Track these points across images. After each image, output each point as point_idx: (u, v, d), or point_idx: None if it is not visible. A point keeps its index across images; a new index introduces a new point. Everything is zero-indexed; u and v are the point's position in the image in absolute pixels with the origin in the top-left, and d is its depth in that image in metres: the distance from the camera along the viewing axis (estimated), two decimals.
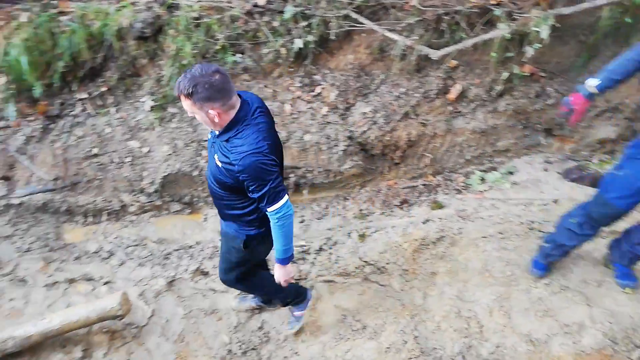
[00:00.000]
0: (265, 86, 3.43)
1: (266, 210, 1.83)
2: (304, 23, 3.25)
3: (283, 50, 3.27)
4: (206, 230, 3.41)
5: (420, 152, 3.52)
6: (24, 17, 3.33)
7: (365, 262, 2.89)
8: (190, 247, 3.20)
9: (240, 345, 2.55)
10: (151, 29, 3.20)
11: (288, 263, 2.04)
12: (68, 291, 2.91)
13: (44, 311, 2.72)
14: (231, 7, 3.21)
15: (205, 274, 2.99)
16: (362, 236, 3.08)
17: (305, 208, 3.50)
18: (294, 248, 2.92)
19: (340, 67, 3.48)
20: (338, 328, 2.57)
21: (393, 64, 3.44)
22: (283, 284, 2.13)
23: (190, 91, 1.61)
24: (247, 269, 2.30)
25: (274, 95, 3.42)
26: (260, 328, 2.65)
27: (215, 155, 1.85)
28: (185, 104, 1.69)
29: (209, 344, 2.58)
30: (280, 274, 2.07)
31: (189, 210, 3.57)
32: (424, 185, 3.52)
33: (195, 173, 3.38)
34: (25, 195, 3.46)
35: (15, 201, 3.46)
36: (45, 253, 3.20)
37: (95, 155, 3.43)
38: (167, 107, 3.43)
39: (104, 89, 3.46)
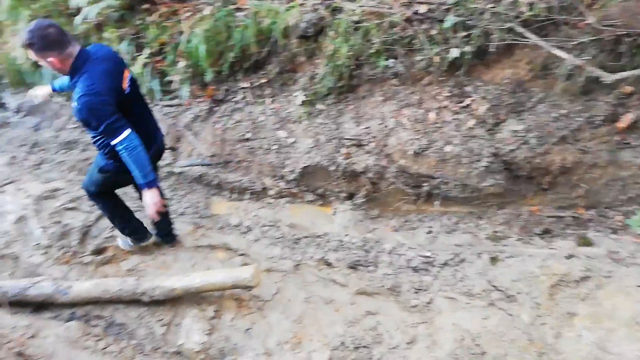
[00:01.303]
0: (413, 93, 3.62)
1: (111, 144, 2.31)
2: (464, 33, 3.35)
3: (437, 59, 3.42)
4: (334, 223, 3.74)
5: (574, 181, 3.37)
6: (207, 11, 4.02)
7: (494, 286, 2.91)
8: (318, 236, 3.55)
9: (353, 340, 2.75)
10: (314, 29, 3.61)
11: (150, 187, 2.45)
12: (209, 256, 3.44)
13: (188, 269, 3.26)
14: (392, 13, 3.46)
15: (329, 264, 3.29)
16: (494, 259, 3.10)
17: (434, 220, 3.62)
18: (419, 257, 3.08)
19: (495, 80, 3.51)
20: (454, 347, 2.64)
21: (556, 83, 3.35)
22: (152, 208, 2.51)
23: (28, 42, 2.10)
24: (102, 190, 2.92)
25: (420, 102, 3.59)
26: (374, 328, 2.83)
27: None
28: (29, 54, 2.19)
29: (324, 331, 2.84)
30: (146, 198, 2.48)
31: (321, 202, 3.94)
32: (572, 217, 3.37)
33: (332, 168, 3.72)
34: (186, 166, 4.19)
35: (177, 170, 4.21)
36: (195, 219, 3.83)
37: (248, 140, 3.99)
38: (316, 103, 3.84)
39: (263, 80, 4.00)
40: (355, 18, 3.49)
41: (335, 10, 3.63)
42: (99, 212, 3.66)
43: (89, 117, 2.25)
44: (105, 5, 4.07)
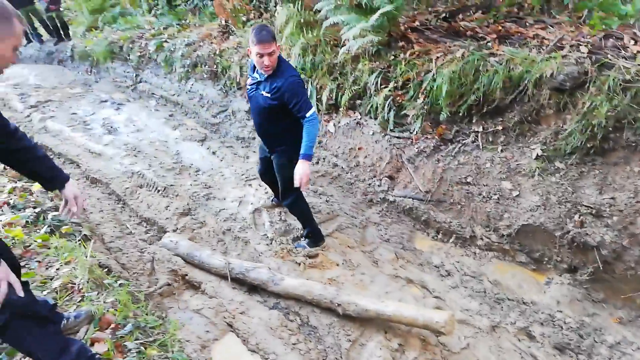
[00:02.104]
0: None
1: (306, 115, 3.23)
2: None
3: None
4: (545, 294, 3.47)
5: None
6: (459, 53, 4.27)
7: None
8: (524, 303, 3.35)
9: None
10: (572, 83, 3.47)
11: (310, 159, 3.26)
12: (404, 288, 3.59)
13: (382, 295, 3.47)
14: None
15: (532, 337, 3.08)
16: None
17: None
18: None
19: None
20: None
21: None
22: (306, 177, 3.22)
23: (273, 35, 3.04)
24: (298, 191, 3.67)
25: None
26: None
27: None
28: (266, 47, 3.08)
29: None
30: (304, 167, 3.22)
31: (534, 267, 3.71)
32: None
33: (558, 233, 3.47)
34: (399, 197, 4.48)
35: (391, 198, 4.54)
36: (397, 249, 4.07)
37: (468, 184, 4.05)
38: (555, 160, 3.66)
39: (499, 127, 4.02)
40: (628, 77, 3.23)
41: (603, 65, 3.43)
42: (318, 219, 4.22)
43: (297, 91, 3.20)
44: (367, 41, 4.72)
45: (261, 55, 3.10)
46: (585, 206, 3.37)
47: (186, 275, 3.73)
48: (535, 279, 3.64)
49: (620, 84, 3.26)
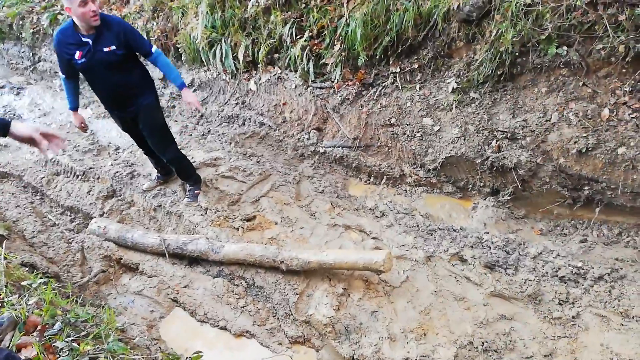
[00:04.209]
0: (584, 84, 3.35)
1: (152, 51, 3.32)
2: None
3: (621, 49, 3.11)
4: (473, 219, 3.69)
5: None
6: None
7: None
8: (454, 230, 3.55)
9: (482, 342, 2.71)
10: (478, 12, 3.56)
11: (186, 86, 3.44)
12: (343, 235, 3.68)
13: (322, 245, 3.54)
14: None
15: (464, 260, 3.27)
16: None
17: (592, 228, 3.35)
18: (569, 267, 2.91)
19: None
20: None
21: None
22: (197, 101, 3.43)
23: None
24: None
25: (592, 96, 3.31)
26: (507, 334, 2.75)
27: None
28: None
29: (451, 327, 2.85)
30: (190, 95, 3.43)
31: (460, 195, 3.92)
32: None
33: (478, 160, 3.66)
34: (329, 147, 4.50)
35: (321, 150, 4.54)
36: (333, 198, 4.12)
37: (392, 125, 4.13)
38: (469, 91, 3.80)
39: (415, 66, 4.09)
40: (528, 1, 3.34)
41: None
42: (251, 182, 4.16)
43: (133, 30, 3.21)
44: None
45: (85, 3, 2.89)
46: (501, 131, 3.55)
47: (121, 258, 3.60)
48: (462, 206, 3.85)
49: (522, 9, 3.38)
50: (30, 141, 1.83)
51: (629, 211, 3.24)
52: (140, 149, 4.03)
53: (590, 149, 3.20)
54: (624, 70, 3.23)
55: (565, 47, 3.35)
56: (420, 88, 4.08)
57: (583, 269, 2.94)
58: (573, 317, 2.72)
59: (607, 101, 3.25)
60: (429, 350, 2.67)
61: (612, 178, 3.17)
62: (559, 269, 2.99)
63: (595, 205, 3.34)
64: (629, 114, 3.17)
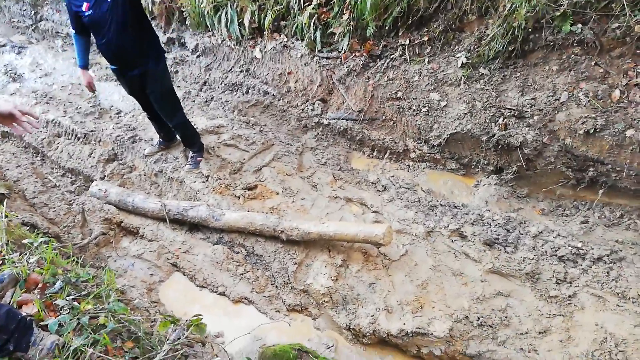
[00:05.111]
0: (597, 64, 3.30)
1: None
2: None
3: (637, 28, 3.04)
4: (475, 196, 3.70)
5: None
6: None
7: None
8: (456, 207, 3.55)
9: (478, 317, 2.76)
10: None
11: None
12: (344, 207, 3.69)
13: (323, 217, 3.56)
14: None
15: (463, 237, 3.29)
16: None
17: (593, 209, 3.36)
18: (568, 247, 2.93)
19: None
20: (593, 348, 2.49)
21: None
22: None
23: None
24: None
25: (604, 76, 3.27)
26: (503, 310, 2.79)
27: None
28: None
29: (447, 301, 2.89)
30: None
31: (463, 172, 3.92)
32: None
33: (484, 138, 3.64)
34: (333, 119, 4.47)
35: (325, 121, 4.52)
36: (335, 170, 4.12)
37: (398, 99, 4.09)
38: (479, 67, 3.74)
39: (425, 38, 4.02)
40: None
41: None
42: (253, 151, 4.15)
43: None
44: None
45: None
46: (509, 109, 3.51)
47: (121, 222, 3.63)
48: (465, 183, 3.85)
49: None
50: (10, 117, 1.80)
51: (632, 194, 3.23)
52: (145, 113, 3.99)
53: (598, 130, 3.17)
54: (638, 51, 3.17)
55: (580, 25, 3.28)
56: (429, 62, 4.02)
57: (582, 249, 2.96)
58: (569, 296, 2.75)
59: (619, 82, 3.20)
60: (424, 322, 2.71)
61: (618, 160, 3.16)
62: (559, 248, 3.00)
63: (598, 187, 3.33)
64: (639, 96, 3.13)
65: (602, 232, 3.18)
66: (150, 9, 5.91)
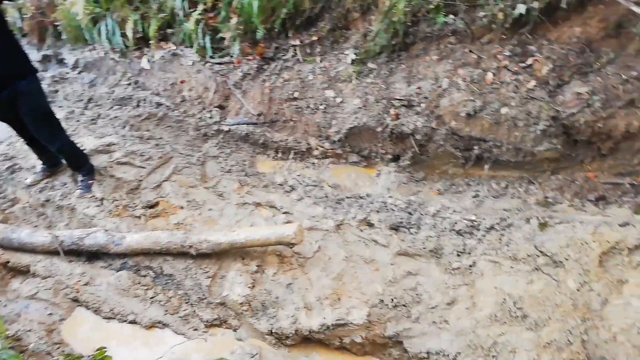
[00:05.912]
0: (470, 51, 3.63)
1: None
2: None
3: (500, 15, 3.41)
4: (377, 185, 3.90)
5: (638, 147, 3.30)
6: None
7: (540, 252, 2.96)
8: (361, 197, 3.71)
9: (392, 299, 2.90)
10: None
11: None
12: (254, 213, 3.68)
13: (233, 225, 3.52)
14: None
15: (371, 225, 3.44)
16: (543, 225, 3.13)
17: (482, 184, 3.71)
18: (464, 221, 3.17)
19: (562, 39, 3.46)
20: (495, 310, 2.74)
21: (630, 43, 3.25)
22: None
23: None
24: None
25: (478, 61, 3.60)
26: (414, 289, 2.96)
27: None
28: None
29: (362, 289, 3.00)
30: None
31: (365, 164, 4.10)
32: (631, 184, 3.33)
33: (379, 129, 3.84)
34: (233, 124, 4.44)
35: (225, 128, 4.47)
36: (241, 177, 4.09)
37: (295, 99, 4.17)
38: (367, 62, 3.94)
39: (314, 38, 4.15)
40: None
41: None
42: (150, 166, 3.98)
43: None
44: None
45: None
46: (398, 99, 3.75)
47: (8, 262, 3.30)
48: (367, 174, 4.04)
49: None
50: None
51: (512, 166, 3.61)
52: (22, 139, 3.64)
53: (477, 111, 3.49)
54: (503, 36, 3.55)
55: (452, 16, 3.60)
56: (321, 60, 4.15)
57: (476, 221, 3.24)
58: (470, 265, 3.00)
59: (490, 65, 3.55)
60: (343, 313, 2.80)
61: (497, 136, 3.50)
62: (456, 223, 3.26)
63: (484, 163, 3.67)
64: (509, 77, 3.50)
65: (492, 203, 3.51)
66: (19, 25, 5.43)
